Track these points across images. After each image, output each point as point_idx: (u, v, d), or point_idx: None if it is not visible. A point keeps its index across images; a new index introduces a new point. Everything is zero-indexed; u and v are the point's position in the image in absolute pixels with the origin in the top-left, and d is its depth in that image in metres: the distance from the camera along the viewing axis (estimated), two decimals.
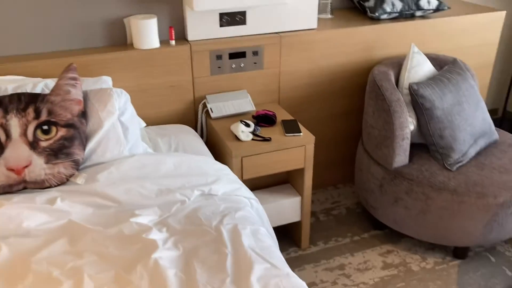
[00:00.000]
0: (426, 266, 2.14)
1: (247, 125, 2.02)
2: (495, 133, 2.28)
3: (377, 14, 2.40)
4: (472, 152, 2.16)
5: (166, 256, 1.30)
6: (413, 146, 2.26)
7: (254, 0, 2.05)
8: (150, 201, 1.52)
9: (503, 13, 2.63)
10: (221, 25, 2.15)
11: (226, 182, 1.63)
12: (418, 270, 2.12)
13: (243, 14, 2.16)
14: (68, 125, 1.56)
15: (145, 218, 1.45)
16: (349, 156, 2.68)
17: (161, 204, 1.51)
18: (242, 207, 1.54)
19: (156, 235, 1.38)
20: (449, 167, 2.09)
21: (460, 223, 2.02)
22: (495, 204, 1.98)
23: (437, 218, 2.05)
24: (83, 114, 1.64)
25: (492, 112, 3.54)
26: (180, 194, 1.54)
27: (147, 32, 2.03)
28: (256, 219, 1.55)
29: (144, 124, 2.02)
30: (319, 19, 2.50)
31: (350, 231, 2.36)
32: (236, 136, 1.99)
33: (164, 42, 2.14)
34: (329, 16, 2.53)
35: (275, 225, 2.16)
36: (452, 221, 2.03)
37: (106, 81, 1.87)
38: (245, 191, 1.66)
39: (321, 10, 2.54)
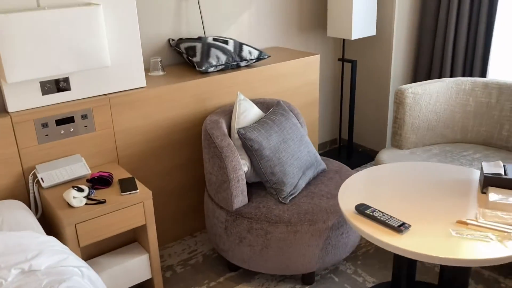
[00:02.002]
0: None
1: (81, 190, 1.99)
2: (322, 163, 2.53)
3: (204, 68, 2.56)
4: (302, 183, 2.36)
5: None
6: (252, 185, 2.41)
7: (70, 67, 2.07)
8: None
9: (318, 56, 2.97)
10: (44, 93, 2.12)
11: (50, 254, 1.57)
12: None
13: (66, 80, 2.16)
14: None
15: None
16: (201, 203, 2.75)
17: None
18: (67, 278, 1.50)
19: None
20: (283, 201, 2.26)
21: (299, 251, 2.18)
22: (325, 228, 2.17)
23: (278, 251, 2.18)
24: None
25: (332, 142, 3.91)
26: None
27: None
28: (86, 287, 1.51)
29: None
30: (151, 76, 2.59)
31: (207, 278, 2.40)
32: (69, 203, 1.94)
33: None
34: (161, 73, 2.64)
35: (127, 286, 2.12)
36: (291, 250, 2.17)
37: None
38: (74, 259, 1.62)
39: (152, 68, 2.64)
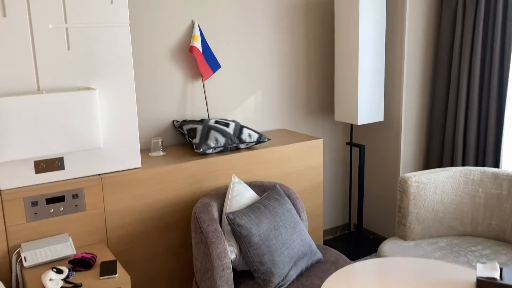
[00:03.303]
0: None
1: (60, 271, 1.96)
2: (317, 253, 2.41)
3: (201, 149, 2.58)
4: (293, 274, 2.24)
5: None
6: (241, 274, 2.31)
7: (62, 148, 2.12)
8: None
9: (321, 140, 2.95)
10: (37, 172, 2.17)
11: None
12: None
13: (60, 160, 2.21)
14: None
15: None
16: None
17: None
18: None
19: None
20: None
21: None
22: None
23: None
24: None
25: (344, 227, 3.77)
26: None
27: None
28: None
29: None
30: (151, 157, 2.63)
31: None
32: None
33: None
34: (161, 153, 2.67)
35: None
36: None
37: None
38: None
39: (153, 148, 2.68)
